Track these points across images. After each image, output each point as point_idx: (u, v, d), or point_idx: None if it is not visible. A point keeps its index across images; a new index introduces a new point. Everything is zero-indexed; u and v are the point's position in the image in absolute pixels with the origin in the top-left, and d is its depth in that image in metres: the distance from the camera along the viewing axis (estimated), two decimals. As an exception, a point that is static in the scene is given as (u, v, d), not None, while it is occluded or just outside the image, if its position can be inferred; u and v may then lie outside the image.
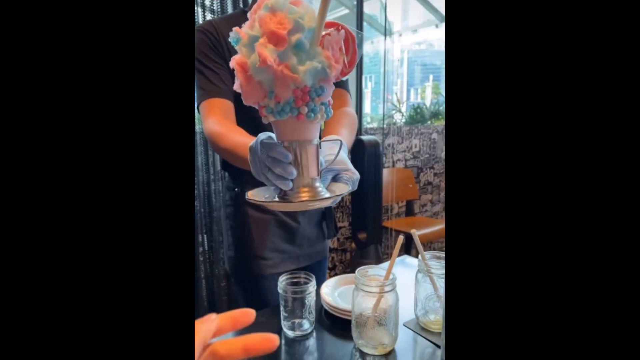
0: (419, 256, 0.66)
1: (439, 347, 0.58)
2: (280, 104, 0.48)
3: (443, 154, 3.16)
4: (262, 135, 0.55)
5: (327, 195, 0.52)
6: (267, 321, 0.72)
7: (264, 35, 0.45)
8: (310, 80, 0.47)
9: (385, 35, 2.95)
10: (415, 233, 0.66)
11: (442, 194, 3.20)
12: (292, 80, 0.46)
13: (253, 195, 0.55)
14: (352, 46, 0.52)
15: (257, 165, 0.54)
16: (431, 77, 3.88)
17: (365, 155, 2.44)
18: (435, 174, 3.15)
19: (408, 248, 2.48)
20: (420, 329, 0.66)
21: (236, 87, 0.50)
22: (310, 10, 0.47)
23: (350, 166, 0.62)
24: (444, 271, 0.59)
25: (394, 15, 3.49)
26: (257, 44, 0.45)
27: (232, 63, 0.48)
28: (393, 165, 2.91)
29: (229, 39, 0.50)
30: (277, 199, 0.52)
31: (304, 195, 0.51)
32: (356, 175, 0.62)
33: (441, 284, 0.64)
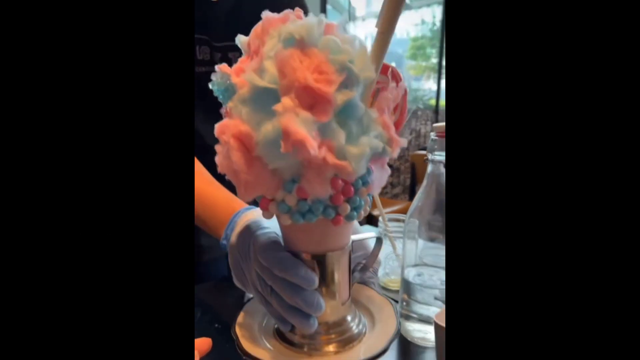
0: (380, 218, 0.65)
1: (397, 302, 0.61)
2: (308, 203, 0.28)
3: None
4: (257, 229, 0.35)
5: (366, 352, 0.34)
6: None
7: (290, 92, 0.25)
8: (364, 168, 0.28)
9: (349, 20, 2.76)
10: (377, 195, 0.61)
11: (402, 177, 3.16)
12: (338, 170, 0.27)
13: (246, 343, 0.33)
14: (402, 101, 0.33)
15: (246, 276, 0.35)
16: (393, 64, 3.75)
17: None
18: (396, 158, 3.09)
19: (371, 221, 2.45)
20: (381, 288, 0.67)
21: (222, 168, 0.29)
22: (362, 47, 0.28)
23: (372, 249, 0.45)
24: (402, 232, 0.60)
25: (357, 0, 3.30)
26: (279, 108, 0.25)
27: (221, 132, 0.27)
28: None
29: (210, 86, 0.29)
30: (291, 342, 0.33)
31: (335, 340, 0.33)
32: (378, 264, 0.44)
33: (399, 244, 0.64)
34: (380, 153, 0.29)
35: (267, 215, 0.31)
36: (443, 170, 0.52)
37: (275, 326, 0.35)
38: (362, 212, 0.31)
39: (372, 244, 0.40)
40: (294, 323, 0.32)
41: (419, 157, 2.53)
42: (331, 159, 0.26)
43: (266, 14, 0.29)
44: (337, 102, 0.25)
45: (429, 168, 0.47)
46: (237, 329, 0.34)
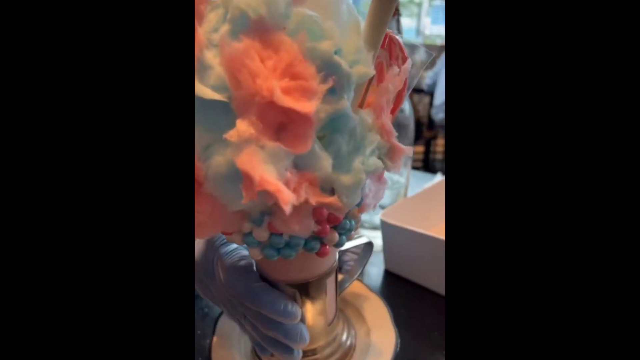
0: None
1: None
2: (284, 238, 0.21)
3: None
4: (221, 244, 0.28)
5: None
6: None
7: (248, 108, 0.16)
8: (359, 197, 0.20)
9: None
10: None
11: None
12: (324, 207, 0.19)
13: None
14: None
15: (213, 294, 0.29)
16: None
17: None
18: None
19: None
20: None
21: None
22: (352, 19, 0.18)
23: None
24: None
25: None
26: (233, 138, 0.16)
27: None
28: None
29: None
30: None
31: None
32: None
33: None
34: (382, 168, 0.21)
35: (231, 240, 0.24)
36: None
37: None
38: (354, 234, 0.25)
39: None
40: (274, 353, 0.27)
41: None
42: (314, 197, 0.18)
43: None
44: (319, 116, 0.17)
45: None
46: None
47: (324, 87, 0.16)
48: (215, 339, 0.31)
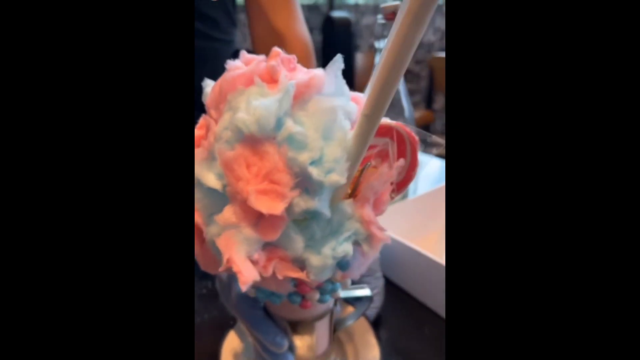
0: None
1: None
2: (269, 291, 0.26)
3: (426, 39, 2.67)
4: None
5: None
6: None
7: (235, 201, 0.21)
8: (329, 274, 0.24)
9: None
10: None
11: (422, 83, 2.72)
12: (297, 279, 0.23)
13: None
14: (411, 155, 0.26)
15: (230, 306, 0.35)
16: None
17: (334, 35, 2.23)
18: (416, 62, 2.65)
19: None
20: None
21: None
22: (341, 133, 0.21)
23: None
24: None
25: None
26: (220, 221, 0.21)
27: None
28: (370, 49, 2.43)
29: None
30: None
31: None
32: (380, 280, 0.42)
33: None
34: (357, 251, 0.24)
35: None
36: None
37: None
38: (340, 292, 0.28)
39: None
40: None
41: (440, 61, 2.19)
42: (283, 272, 0.22)
43: (230, 67, 0.23)
44: (294, 210, 0.21)
45: (377, 58, 0.41)
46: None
47: (294, 194, 0.20)
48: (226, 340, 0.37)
